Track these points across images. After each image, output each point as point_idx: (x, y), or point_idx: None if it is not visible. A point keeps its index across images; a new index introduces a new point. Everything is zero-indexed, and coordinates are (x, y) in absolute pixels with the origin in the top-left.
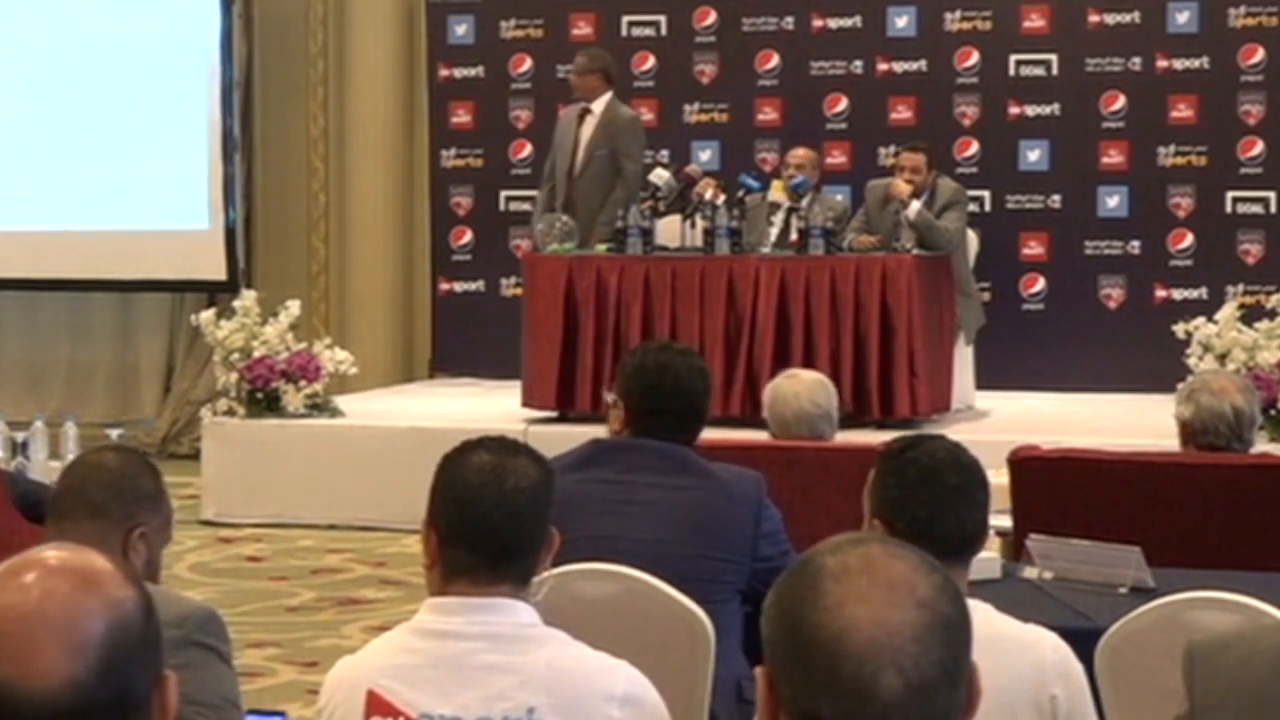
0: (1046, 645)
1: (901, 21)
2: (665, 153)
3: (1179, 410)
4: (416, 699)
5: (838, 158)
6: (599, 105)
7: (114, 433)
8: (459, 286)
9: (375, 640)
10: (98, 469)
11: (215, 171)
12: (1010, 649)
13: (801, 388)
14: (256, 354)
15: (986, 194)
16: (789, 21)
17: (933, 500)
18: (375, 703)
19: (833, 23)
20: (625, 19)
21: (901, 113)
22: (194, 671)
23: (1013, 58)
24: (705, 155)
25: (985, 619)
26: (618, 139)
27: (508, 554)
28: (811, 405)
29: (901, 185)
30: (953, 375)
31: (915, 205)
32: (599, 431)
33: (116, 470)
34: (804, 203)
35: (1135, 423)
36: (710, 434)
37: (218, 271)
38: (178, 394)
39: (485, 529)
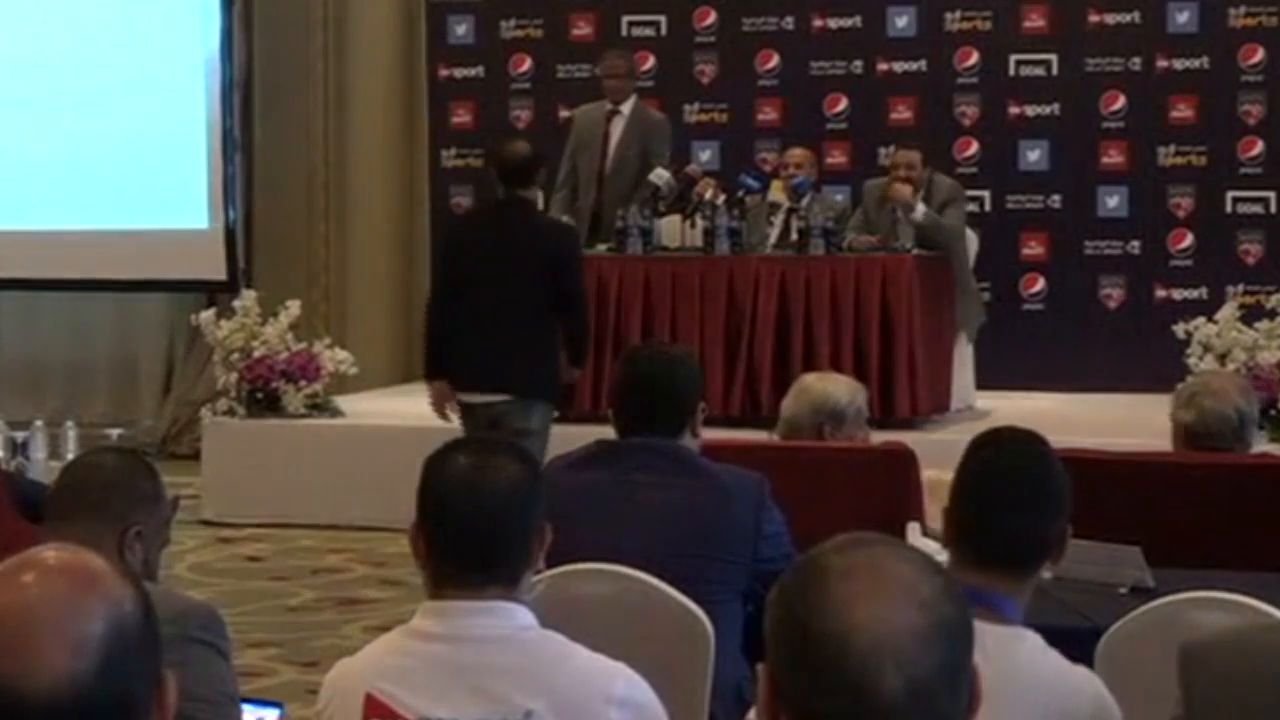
0: (1085, 694)
1: (901, 21)
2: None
3: (1180, 415)
4: (414, 702)
5: (838, 158)
6: (627, 106)
7: (114, 433)
8: None
9: (372, 643)
10: (95, 469)
11: (215, 171)
12: (1044, 688)
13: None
14: (256, 354)
15: (986, 194)
16: (789, 21)
17: (992, 503)
18: (373, 706)
19: (833, 23)
20: (625, 19)
21: (901, 113)
22: (193, 668)
23: (1013, 58)
24: (705, 155)
25: (1031, 652)
26: (650, 139)
27: (492, 556)
28: (809, 406)
29: (902, 188)
30: (952, 375)
31: (921, 208)
32: (599, 431)
33: (114, 471)
34: (804, 203)
35: (1135, 423)
36: (710, 434)
37: (218, 271)
38: (178, 394)
39: (466, 533)
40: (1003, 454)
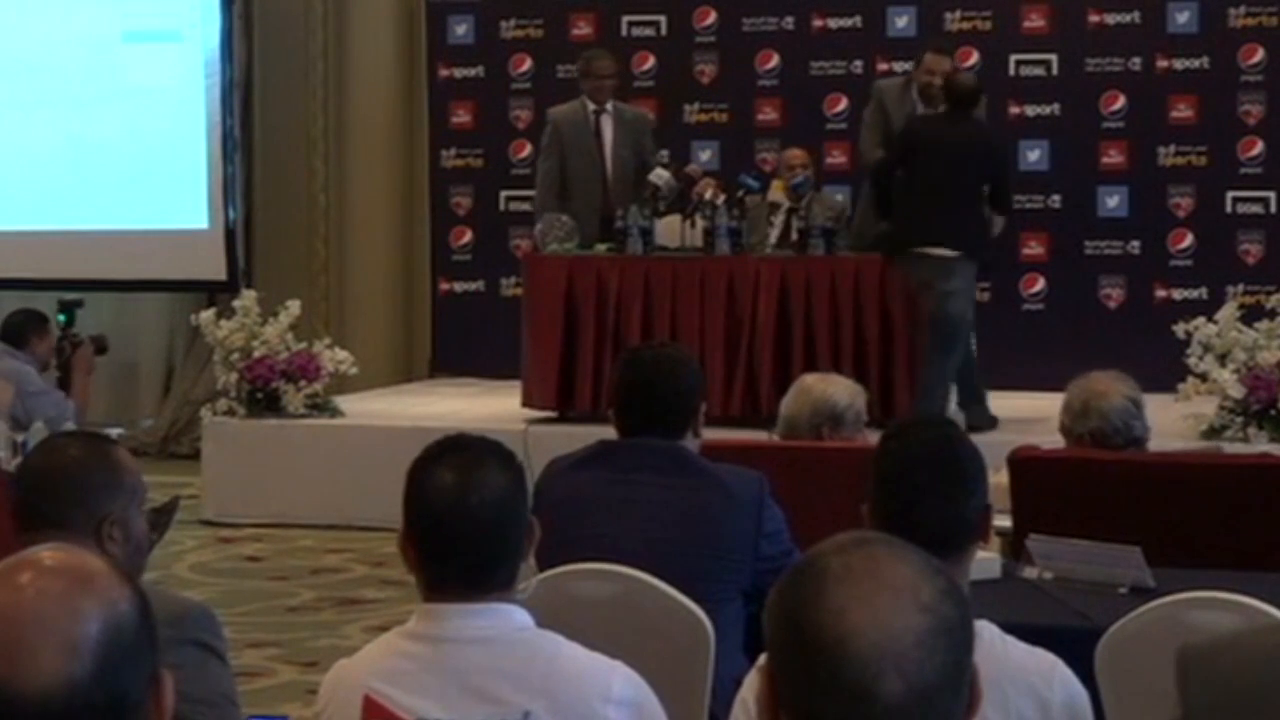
0: (1054, 678)
1: (901, 21)
2: (665, 153)
3: (1080, 426)
4: (413, 704)
5: (838, 158)
6: (610, 105)
7: (114, 432)
8: (459, 286)
9: (370, 644)
10: (52, 481)
11: (215, 171)
12: (1011, 677)
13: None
14: (256, 354)
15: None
16: (789, 21)
17: (908, 492)
18: (371, 708)
19: (833, 23)
20: (625, 19)
21: None
22: (191, 670)
23: (1013, 58)
24: (705, 155)
25: (988, 645)
26: (640, 138)
27: (485, 567)
28: (810, 408)
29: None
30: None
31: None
32: (599, 431)
33: (69, 473)
34: (803, 203)
35: None
36: (710, 434)
37: (218, 271)
38: (178, 394)
39: (457, 551)
40: (914, 442)
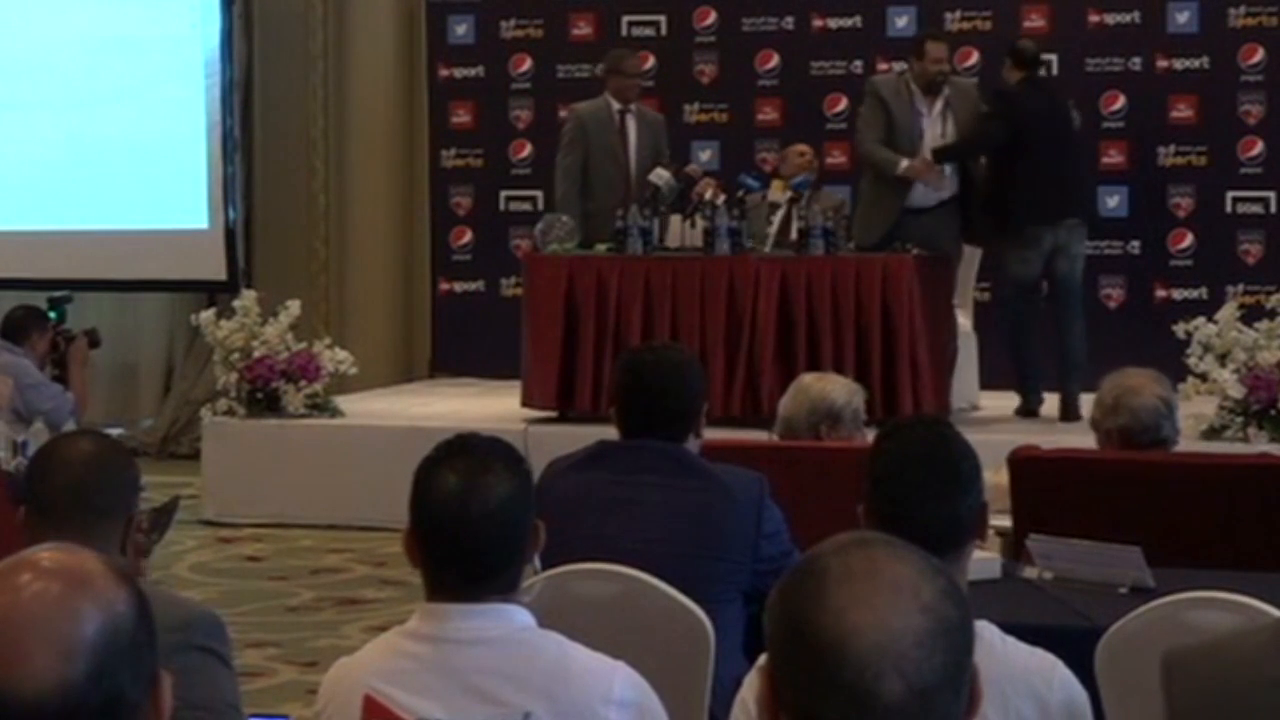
0: (1053, 679)
1: (901, 21)
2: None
3: (1110, 421)
4: (413, 704)
5: (838, 158)
6: (634, 106)
7: (114, 433)
8: (459, 286)
9: (370, 643)
10: (90, 468)
11: (215, 171)
12: (1010, 677)
13: (820, 389)
14: (256, 354)
15: None
16: (789, 21)
17: (902, 492)
18: (371, 708)
19: (833, 23)
20: (625, 19)
21: None
22: (197, 677)
23: None
24: (705, 155)
25: (988, 645)
26: (659, 139)
27: (487, 573)
28: (809, 406)
29: (920, 169)
30: (953, 374)
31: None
32: (599, 432)
33: (105, 466)
34: (803, 201)
35: None
36: (710, 434)
37: (218, 271)
38: (178, 394)
39: (460, 554)
40: (909, 441)
